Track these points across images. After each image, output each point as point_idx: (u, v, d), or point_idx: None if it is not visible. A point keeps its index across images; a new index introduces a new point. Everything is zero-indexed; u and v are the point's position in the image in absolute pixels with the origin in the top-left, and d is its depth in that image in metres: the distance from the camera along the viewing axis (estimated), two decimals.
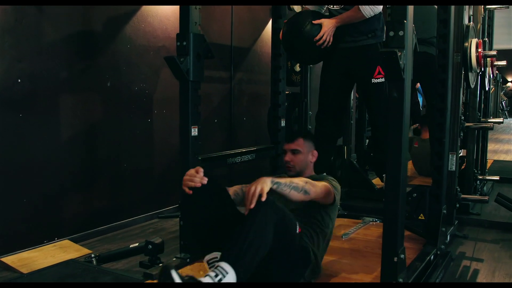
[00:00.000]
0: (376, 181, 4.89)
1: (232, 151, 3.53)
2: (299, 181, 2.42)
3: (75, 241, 3.71)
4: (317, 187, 2.50)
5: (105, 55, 3.97)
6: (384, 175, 3.51)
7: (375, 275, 2.70)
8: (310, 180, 2.49)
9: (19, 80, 3.34)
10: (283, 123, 3.94)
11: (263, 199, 2.15)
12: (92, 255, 3.12)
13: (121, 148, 4.14)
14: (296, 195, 2.37)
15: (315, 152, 2.92)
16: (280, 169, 3.93)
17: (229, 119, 5.45)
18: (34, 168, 3.49)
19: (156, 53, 4.39)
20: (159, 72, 4.43)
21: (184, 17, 2.98)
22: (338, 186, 2.75)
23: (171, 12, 4.51)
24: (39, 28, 3.48)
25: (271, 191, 2.23)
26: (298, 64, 4.42)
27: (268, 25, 5.95)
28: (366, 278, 2.69)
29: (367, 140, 5.57)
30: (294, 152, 2.84)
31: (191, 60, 2.95)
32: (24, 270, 3.13)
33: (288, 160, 2.86)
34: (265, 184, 2.21)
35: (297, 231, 2.33)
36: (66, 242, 3.65)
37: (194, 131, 3.03)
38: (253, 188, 2.17)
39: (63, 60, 3.65)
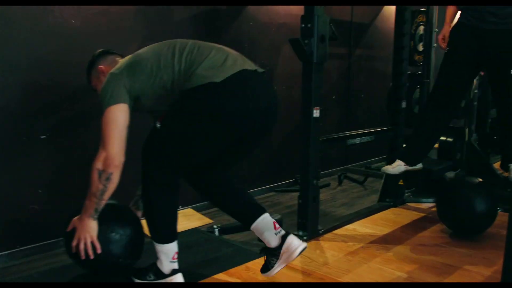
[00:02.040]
0: (498, 164, 4.70)
1: (352, 132, 3.55)
2: (93, 176, 2.11)
3: (197, 209, 3.91)
4: (104, 147, 2.09)
5: (229, 33, 4.09)
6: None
7: (495, 269, 2.63)
8: (97, 163, 2.10)
9: None
10: (403, 105, 3.88)
11: (98, 251, 2.13)
12: (214, 226, 3.30)
13: None
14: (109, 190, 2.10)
15: (100, 67, 2.40)
16: (397, 151, 3.89)
17: (346, 95, 5.43)
18: None
19: (277, 30, 4.45)
20: (280, 48, 4.50)
21: None
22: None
23: None
24: (169, 8, 3.63)
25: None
26: (421, 44, 4.29)
27: None
28: (486, 271, 2.62)
29: (490, 121, 5.34)
30: (95, 91, 2.47)
31: (316, 42, 2.98)
32: None
33: None
34: (90, 232, 2.13)
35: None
36: (189, 211, 3.85)
37: (316, 113, 3.07)
38: (81, 245, 2.12)
39: (191, 38, 3.79)
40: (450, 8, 3.39)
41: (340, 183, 4.93)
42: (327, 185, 4.83)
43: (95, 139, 3.20)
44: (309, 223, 3.12)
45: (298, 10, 4.57)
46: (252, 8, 4.21)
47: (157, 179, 2.16)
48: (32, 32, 2.93)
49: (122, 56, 2.44)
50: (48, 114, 3.06)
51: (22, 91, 2.94)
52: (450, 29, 3.34)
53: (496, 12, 3.01)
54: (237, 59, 2.19)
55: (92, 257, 2.13)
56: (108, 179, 2.06)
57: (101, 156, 2.07)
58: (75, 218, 2.19)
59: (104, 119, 2.10)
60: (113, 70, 2.22)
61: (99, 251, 2.14)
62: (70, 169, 3.20)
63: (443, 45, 3.37)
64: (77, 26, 3.11)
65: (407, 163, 3.46)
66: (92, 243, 2.14)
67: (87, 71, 2.47)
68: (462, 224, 3.13)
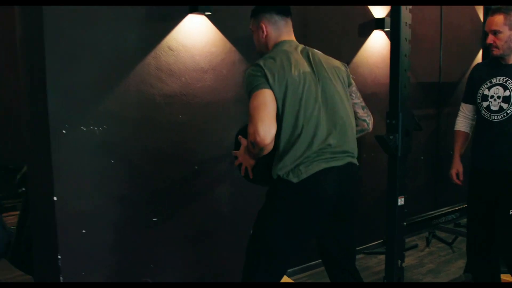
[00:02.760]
0: None
1: (436, 212, 3.73)
2: (249, 143, 2.36)
3: (288, 275, 4.19)
4: (254, 126, 2.27)
5: None
6: None
7: None
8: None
9: None
10: None
11: (250, 177, 2.55)
12: None
13: None
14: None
15: (263, 25, 2.64)
16: None
17: (435, 154, 5.55)
18: None
19: (366, 100, 4.65)
20: None
21: (393, 97, 3.23)
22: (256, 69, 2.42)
23: (381, 60, 4.77)
24: None
25: None
26: None
27: (478, 55, 5.89)
28: None
29: None
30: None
31: (400, 138, 3.20)
32: None
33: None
34: (248, 164, 2.52)
35: None
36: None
37: (401, 201, 3.29)
38: (243, 168, 2.55)
39: None
40: (459, 140, 3.56)
41: (428, 244, 5.06)
42: (415, 246, 4.98)
43: (198, 219, 3.61)
44: None
45: (386, 79, 4.79)
46: None
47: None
48: (145, 128, 3.35)
49: (287, 24, 2.63)
50: (158, 199, 3.47)
51: (137, 180, 3.36)
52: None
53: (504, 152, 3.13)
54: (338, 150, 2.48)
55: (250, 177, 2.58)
56: (261, 150, 2.29)
57: (252, 133, 2.26)
58: (243, 146, 2.52)
59: (253, 103, 2.31)
60: (264, 62, 2.41)
61: (251, 177, 2.56)
62: (177, 246, 3.59)
63: (457, 181, 3.52)
64: (185, 120, 3.50)
65: None
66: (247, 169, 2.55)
67: (251, 14, 2.67)
68: None
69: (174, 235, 3.57)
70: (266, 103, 2.30)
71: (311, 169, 2.39)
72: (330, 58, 2.70)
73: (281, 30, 2.61)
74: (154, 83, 3.34)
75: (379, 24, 4.65)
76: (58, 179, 3.05)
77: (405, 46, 3.20)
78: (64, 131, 3.04)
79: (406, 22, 3.17)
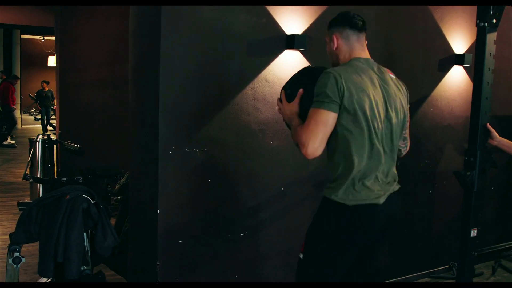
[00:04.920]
0: None
1: (506, 245, 3.91)
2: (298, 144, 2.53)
3: None
4: (307, 139, 2.42)
5: None
6: None
7: None
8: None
9: None
10: None
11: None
12: None
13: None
14: None
15: (334, 37, 2.69)
16: None
17: (506, 187, 5.66)
18: None
19: (441, 131, 4.89)
20: (443, 148, 4.92)
21: (473, 135, 3.47)
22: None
23: (457, 93, 4.96)
24: None
25: None
26: None
27: None
28: None
29: None
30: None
31: (476, 174, 3.44)
32: None
33: None
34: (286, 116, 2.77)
35: None
36: None
37: (473, 233, 3.52)
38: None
39: None
40: None
41: (493, 273, 5.17)
42: (481, 274, 5.11)
43: (282, 237, 3.94)
44: None
45: (461, 111, 4.98)
46: (420, 115, 4.70)
47: None
48: (240, 152, 3.71)
49: (359, 39, 2.66)
50: (247, 216, 3.82)
51: (229, 197, 3.74)
52: None
53: None
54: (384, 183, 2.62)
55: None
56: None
57: (302, 144, 2.42)
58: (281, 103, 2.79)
59: (316, 117, 2.43)
60: (339, 70, 2.51)
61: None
62: (261, 260, 3.93)
63: None
64: (275, 146, 3.84)
65: None
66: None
67: (327, 26, 2.74)
68: None
69: (259, 250, 3.90)
70: (327, 125, 2.42)
71: (362, 197, 2.52)
72: (399, 84, 2.75)
73: (352, 45, 2.66)
74: (250, 112, 3.70)
75: (459, 59, 4.84)
76: (162, 193, 3.45)
77: (488, 76, 3.42)
78: (170, 152, 3.43)
79: (490, 53, 3.39)
